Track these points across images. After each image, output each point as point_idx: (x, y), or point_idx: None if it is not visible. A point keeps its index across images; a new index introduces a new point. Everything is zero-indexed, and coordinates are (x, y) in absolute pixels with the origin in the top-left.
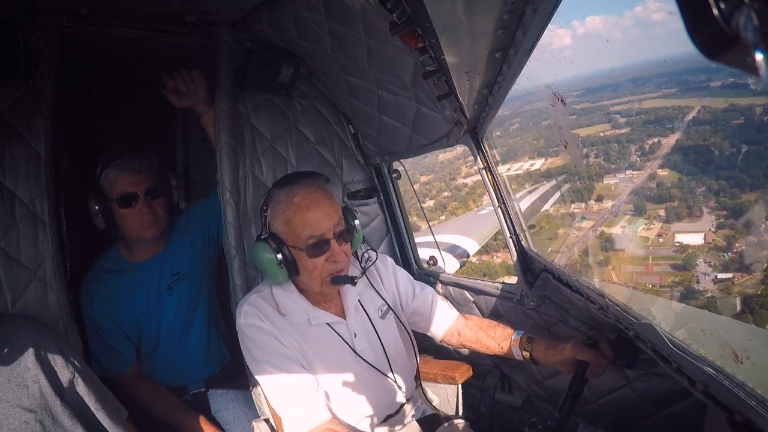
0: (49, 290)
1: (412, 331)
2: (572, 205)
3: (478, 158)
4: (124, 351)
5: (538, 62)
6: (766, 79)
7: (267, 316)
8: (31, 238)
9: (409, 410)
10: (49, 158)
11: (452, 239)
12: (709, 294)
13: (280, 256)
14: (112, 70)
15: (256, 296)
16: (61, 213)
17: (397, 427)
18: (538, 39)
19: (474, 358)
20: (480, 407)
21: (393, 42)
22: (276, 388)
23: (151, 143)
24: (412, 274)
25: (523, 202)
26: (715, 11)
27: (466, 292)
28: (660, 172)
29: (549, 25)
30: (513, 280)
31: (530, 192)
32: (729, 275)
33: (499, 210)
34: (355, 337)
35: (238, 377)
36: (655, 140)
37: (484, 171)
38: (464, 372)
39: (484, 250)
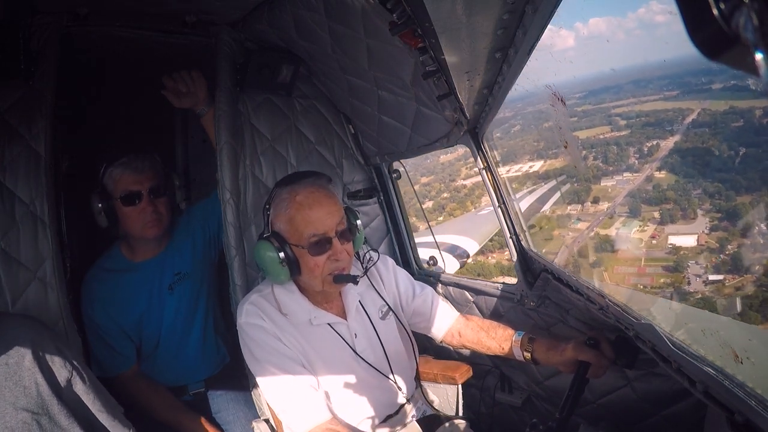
0: (49, 290)
1: (413, 331)
2: (569, 207)
3: (478, 158)
4: (124, 351)
5: (539, 62)
6: (766, 79)
7: (268, 316)
8: (31, 238)
9: (409, 410)
10: (49, 158)
11: (452, 239)
12: (699, 295)
13: (282, 254)
14: (112, 70)
15: (257, 295)
16: (61, 213)
17: (398, 428)
18: (538, 39)
19: (474, 359)
20: (480, 407)
21: (393, 42)
22: (276, 388)
23: (151, 143)
24: (412, 275)
25: (523, 203)
26: (715, 11)
27: (466, 293)
28: (657, 174)
29: (550, 25)
30: (507, 280)
31: (530, 192)
32: (720, 277)
33: (499, 210)
34: (355, 337)
35: (238, 377)
36: (654, 143)
37: (484, 171)
38: (464, 372)
39: (480, 250)
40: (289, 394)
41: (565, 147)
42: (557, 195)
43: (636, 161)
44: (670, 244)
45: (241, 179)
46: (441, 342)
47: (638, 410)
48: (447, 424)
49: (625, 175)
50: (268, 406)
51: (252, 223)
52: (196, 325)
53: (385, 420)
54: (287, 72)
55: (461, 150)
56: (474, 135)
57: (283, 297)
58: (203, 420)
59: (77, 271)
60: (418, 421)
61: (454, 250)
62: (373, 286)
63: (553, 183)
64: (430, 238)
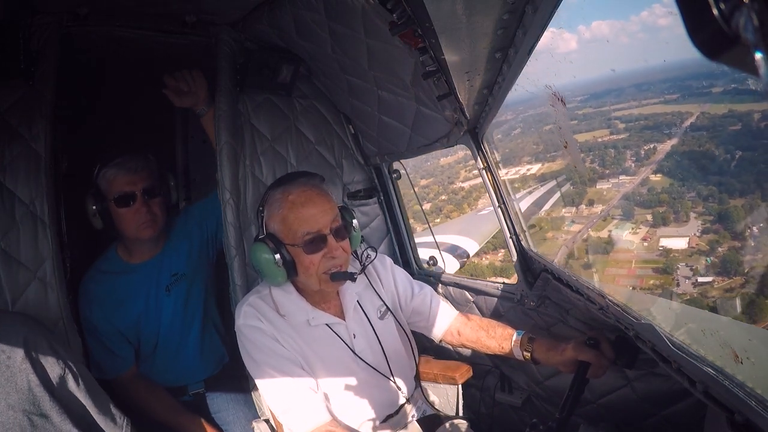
0: (49, 290)
1: (412, 331)
2: (563, 210)
3: (479, 158)
4: (122, 353)
5: (540, 64)
6: (766, 79)
7: (266, 317)
8: (31, 238)
9: (409, 411)
10: (49, 158)
11: (452, 239)
12: (687, 297)
13: (278, 256)
14: (112, 71)
15: (255, 297)
16: (61, 213)
17: (398, 428)
18: (538, 39)
19: (474, 359)
20: (480, 407)
21: (393, 42)
22: (275, 390)
23: (151, 143)
24: (412, 274)
25: (523, 203)
26: (715, 11)
27: (466, 293)
28: (653, 177)
29: (552, 28)
30: (504, 280)
31: (530, 192)
32: (709, 279)
33: (499, 210)
34: (354, 337)
35: (238, 377)
36: (651, 146)
37: (484, 171)
38: (464, 372)
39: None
40: (288, 395)
41: (565, 147)
42: (557, 196)
43: (632, 164)
44: (661, 246)
45: (241, 179)
46: (440, 341)
47: (638, 410)
48: (447, 424)
49: (621, 178)
50: (268, 406)
51: (252, 223)
52: (195, 325)
53: (385, 420)
54: (287, 72)
55: (461, 152)
56: (474, 135)
57: (280, 298)
58: (203, 420)
59: (77, 271)
60: (418, 421)
61: (454, 251)
62: (372, 286)
63: (552, 183)
64: (430, 238)
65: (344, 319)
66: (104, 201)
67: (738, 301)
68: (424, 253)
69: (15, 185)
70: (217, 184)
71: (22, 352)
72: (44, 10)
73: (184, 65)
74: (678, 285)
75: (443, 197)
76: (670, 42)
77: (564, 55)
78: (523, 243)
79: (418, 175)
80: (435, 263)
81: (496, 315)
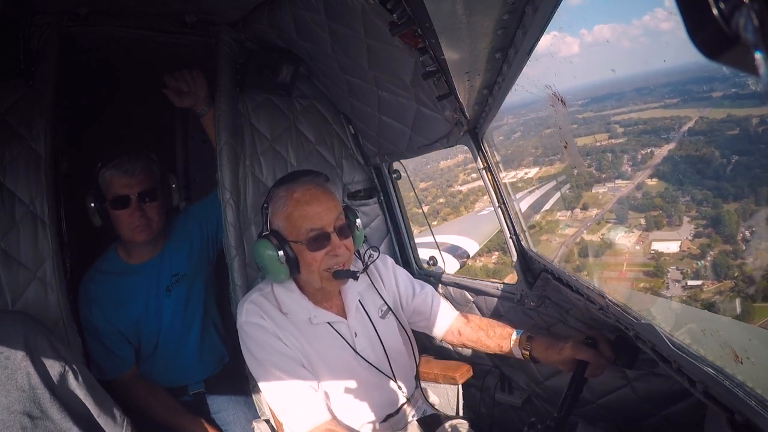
0: (49, 290)
1: (413, 331)
2: (558, 213)
3: (479, 158)
4: (122, 353)
5: (541, 66)
6: (766, 79)
7: (269, 315)
8: (31, 238)
9: (409, 410)
10: (49, 158)
11: (452, 240)
12: (676, 300)
13: (281, 252)
14: (112, 70)
15: (258, 294)
16: (61, 213)
17: (398, 428)
18: (538, 39)
19: (474, 358)
20: (480, 407)
21: (393, 42)
22: (276, 388)
23: (151, 143)
24: (412, 274)
25: (523, 203)
26: (715, 11)
27: (466, 293)
28: (648, 181)
29: (552, 30)
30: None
31: (530, 192)
32: (699, 282)
33: (499, 210)
34: (355, 336)
35: (238, 378)
36: (648, 150)
37: (484, 171)
38: (465, 372)
39: None
40: (288, 394)
41: (565, 147)
42: (558, 195)
43: (629, 169)
44: (653, 250)
45: (241, 179)
46: (441, 341)
47: (638, 410)
48: (447, 424)
49: (617, 182)
50: (269, 406)
51: (252, 223)
52: (195, 325)
53: (386, 420)
54: (287, 72)
55: (461, 156)
56: (474, 135)
57: (283, 296)
58: (203, 421)
59: (77, 271)
60: (418, 420)
61: (454, 251)
62: (373, 286)
63: (551, 184)
64: (430, 238)
65: (346, 318)
66: (103, 201)
67: (732, 304)
68: (424, 254)
69: (15, 185)
70: (217, 184)
71: (22, 351)
72: (44, 10)
73: (184, 65)
74: (668, 288)
75: (441, 200)
76: (671, 45)
77: (566, 59)
78: (523, 243)
79: (418, 178)
80: (435, 263)
81: (496, 315)
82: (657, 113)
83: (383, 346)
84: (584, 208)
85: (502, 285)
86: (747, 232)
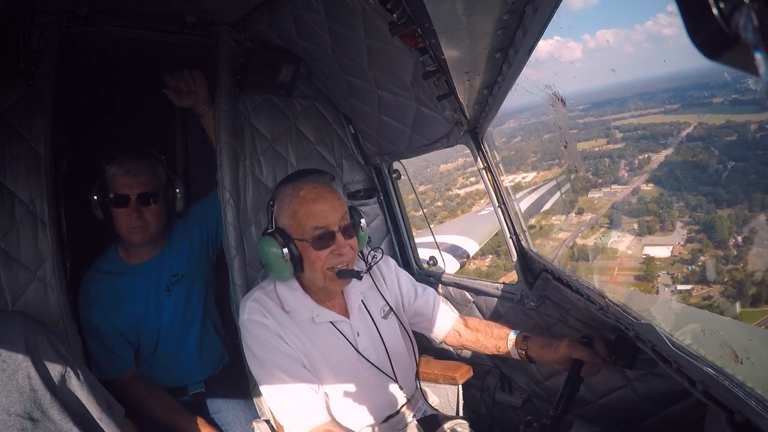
0: (49, 290)
1: (413, 332)
2: (553, 217)
3: (478, 158)
4: (122, 353)
5: (543, 71)
6: (766, 79)
7: (271, 313)
8: (31, 238)
9: (409, 410)
10: (49, 158)
11: (452, 240)
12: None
13: (285, 250)
14: (112, 71)
15: (260, 293)
16: (61, 213)
17: (398, 428)
18: (538, 39)
19: (474, 359)
20: (480, 407)
21: (393, 42)
22: (276, 388)
23: (151, 143)
24: (412, 274)
25: (523, 203)
26: (715, 11)
27: (466, 293)
28: (644, 187)
29: (555, 36)
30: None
31: (530, 192)
32: (689, 287)
33: (499, 210)
34: (358, 336)
35: (238, 378)
36: (646, 156)
37: (484, 171)
38: (465, 373)
39: None
40: (288, 394)
41: (565, 147)
42: (558, 195)
43: (626, 174)
44: (645, 254)
45: (241, 179)
46: (441, 342)
47: (638, 410)
48: (447, 424)
49: (613, 187)
50: (269, 406)
51: (252, 223)
52: (195, 325)
53: (386, 420)
54: (287, 72)
55: (461, 160)
56: (474, 135)
57: (285, 294)
58: (203, 421)
59: (77, 271)
60: (418, 421)
61: (454, 251)
62: (376, 286)
63: (551, 184)
64: (430, 238)
65: (348, 318)
66: (105, 196)
67: (720, 308)
68: (424, 254)
69: (15, 185)
70: (217, 184)
71: (23, 352)
72: (44, 10)
73: (184, 65)
74: (657, 293)
75: (439, 203)
76: (674, 50)
77: (570, 63)
78: (523, 243)
79: (417, 181)
80: (435, 263)
81: (497, 315)
82: (657, 119)
83: (385, 346)
84: (579, 212)
85: (502, 285)
86: (739, 238)
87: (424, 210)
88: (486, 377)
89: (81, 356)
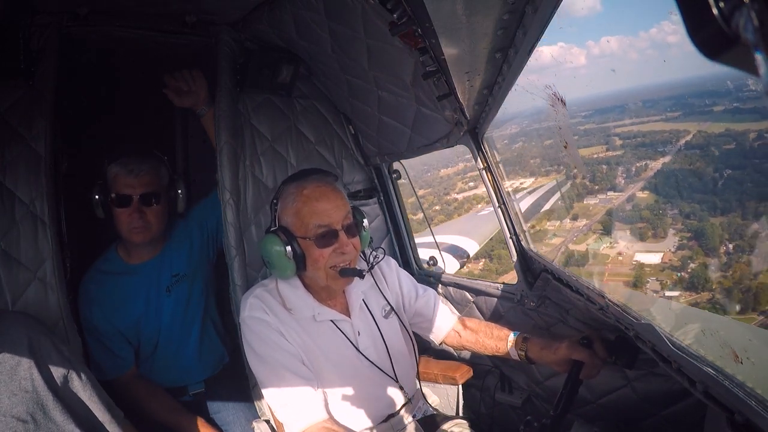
0: (49, 290)
1: (413, 332)
2: (547, 223)
3: (478, 159)
4: (122, 353)
5: (545, 77)
6: (766, 79)
7: (272, 310)
8: (31, 238)
9: (409, 410)
10: (49, 158)
11: (452, 240)
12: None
13: (289, 248)
14: (112, 70)
15: (262, 290)
16: (61, 213)
17: (398, 428)
18: (538, 39)
19: (474, 359)
20: (480, 408)
21: (393, 42)
22: (275, 384)
23: (151, 143)
24: (412, 274)
25: (523, 203)
26: (715, 11)
27: (466, 293)
28: (640, 194)
29: (559, 42)
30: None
31: (530, 193)
32: (676, 293)
33: (499, 210)
34: (358, 335)
35: (238, 378)
36: (643, 163)
37: (483, 171)
38: (465, 373)
39: None
40: (287, 391)
41: (566, 147)
42: (558, 195)
43: (622, 181)
44: (635, 260)
45: (241, 179)
46: (441, 343)
47: (638, 410)
48: (447, 425)
49: (608, 194)
50: (268, 406)
51: (252, 223)
52: (195, 325)
53: (386, 419)
54: (287, 72)
55: (462, 164)
56: (474, 135)
57: (287, 292)
58: (202, 421)
59: (77, 271)
60: (418, 421)
61: (454, 251)
62: (377, 286)
63: (551, 184)
64: (430, 238)
65: (350, 317)
66: (107, 195)
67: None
68: (424, 254)
69: (15, 185)
70: (217, 184)
71: (26, 352)
72: (44, 10)
73: (184, 65)
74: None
75: (437, 207)
76: (677, 56)
77: (574, 70)
78: (523, 243)
79: (417, 185)
80: (435, 263)
81: (497, 315)
82: (657, 126)
83: (386, 345)
84: (574, 218)
85: (502, 285)
86: (730, 246)
87: (421, 214)
88: (486, 377)
89: (81, 356)
